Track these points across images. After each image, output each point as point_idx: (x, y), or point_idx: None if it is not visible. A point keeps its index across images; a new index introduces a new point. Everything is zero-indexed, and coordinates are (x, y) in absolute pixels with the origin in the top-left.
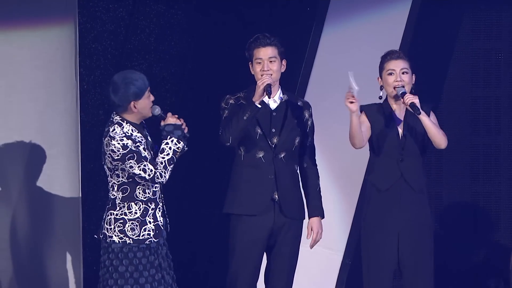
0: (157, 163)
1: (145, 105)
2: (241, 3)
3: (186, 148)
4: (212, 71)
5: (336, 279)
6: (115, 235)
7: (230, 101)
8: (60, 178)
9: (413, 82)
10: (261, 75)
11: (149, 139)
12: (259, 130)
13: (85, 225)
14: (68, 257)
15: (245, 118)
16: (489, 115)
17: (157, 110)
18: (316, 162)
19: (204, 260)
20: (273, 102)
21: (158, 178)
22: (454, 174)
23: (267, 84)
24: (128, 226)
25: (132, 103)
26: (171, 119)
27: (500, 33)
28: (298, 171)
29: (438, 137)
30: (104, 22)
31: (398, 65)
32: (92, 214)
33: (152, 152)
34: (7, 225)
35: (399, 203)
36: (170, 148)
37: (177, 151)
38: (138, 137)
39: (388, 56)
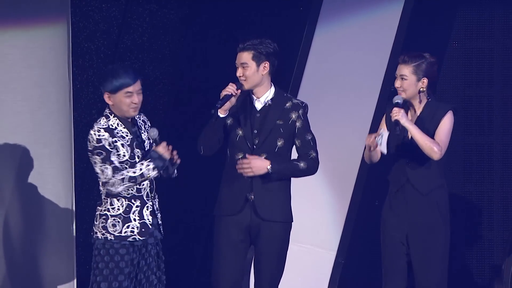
0: (120, 173)
1: (120, 102)
2: (234, 3)
3: (174, 175)
4: (205, 70)
5: (329, 278)
6: (98, 231)
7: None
8: (53, 177)
9: (423, 86)
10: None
11: (143, 137)
12: (240, 132)
13: (78, 224)
14: (61, 256)
15: (210, 129)
16: (481, 115)
17: (153, 134)
18: (314, 160)
19: (201, 261)
20: (259, 103)
21: (110, 185)
22: (447, 174)
23: (225, 95)
24: (110, 222)
25: (106, 94)
26: (161, 149)
27: (492, 33)
28: None
29: (426, 149)
30: (97, 22)
31: (398, 71)
32: (85, 213)
33: (139, 150)
34: (0, 224)
35: (406, 206)
36: (141, 169)
37: (145, 176)
38: (122, 132)
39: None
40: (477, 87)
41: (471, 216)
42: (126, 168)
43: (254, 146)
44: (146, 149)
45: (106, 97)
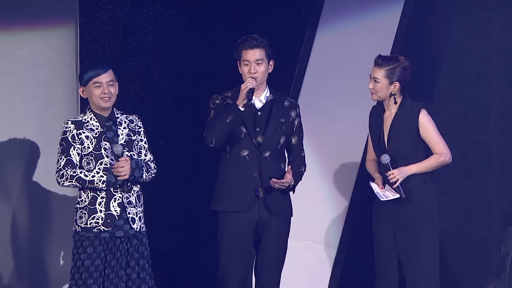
0: (73, 169)
1: (91, 94)
2: (237, 4)
3: (128, 188)
4: (208, 70)
5: (330, 275)
6: (74, 225)
7: (217, 101)
8: None
9: (395, 90)
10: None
11: (119, 133)
12: (244, 129)
13: None
14: (67, 253)
15: (227, 121)
16: (479, 114)
17: (117, 150)
18: (305, 160)
19: (197, 256)
20: (259, 101)
21: (58, 176)
22: (445, 172)
23: (250, 89)
24: (78, 214)
25: (80, 88)
26: (115, 165)
27: (490, 33)
28: (285, 168)
29: (437, 167)
30: (103, 23)
31: (372, 72)
32: None
33: (107, 143)
34: (8, 221)
35: (392, 205)
36: (93, 176)
37: (93, 184)
38: (92, 125)
39: None
40: (475, 87)
41: (469, 212)
42: (89, 162)
43: (259, 144)
44: (118, 142)
45: (80, 91)
